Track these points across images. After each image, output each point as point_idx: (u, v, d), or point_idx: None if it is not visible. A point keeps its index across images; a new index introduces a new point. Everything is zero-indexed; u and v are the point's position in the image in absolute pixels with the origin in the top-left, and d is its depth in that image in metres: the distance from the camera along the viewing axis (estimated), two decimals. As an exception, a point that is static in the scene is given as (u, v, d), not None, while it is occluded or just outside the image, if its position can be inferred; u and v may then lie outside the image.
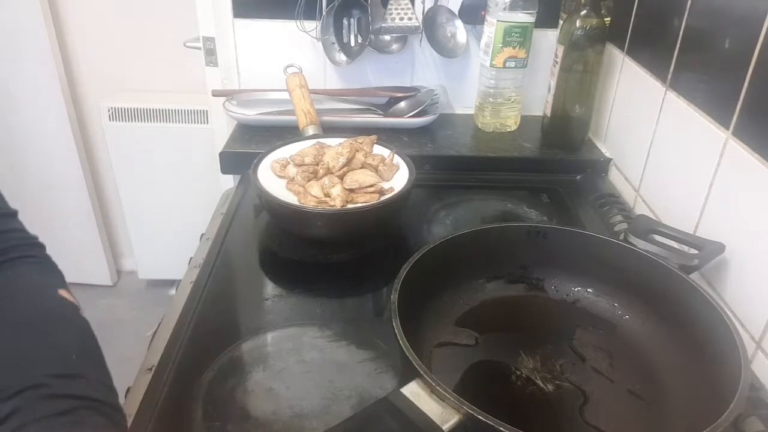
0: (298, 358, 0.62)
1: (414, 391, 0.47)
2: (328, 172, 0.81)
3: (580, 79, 0.97)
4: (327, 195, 0.78)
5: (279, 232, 0.85)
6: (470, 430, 0.45)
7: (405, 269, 0.59)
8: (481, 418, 0.44)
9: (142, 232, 1.94)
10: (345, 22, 1.08)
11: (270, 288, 0.74)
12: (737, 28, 0.66)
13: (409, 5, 1.06)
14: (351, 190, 0.79)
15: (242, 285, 0.77)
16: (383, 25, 1.06)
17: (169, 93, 1.80)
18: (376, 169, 0.82)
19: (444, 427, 0.44)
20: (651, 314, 0.64)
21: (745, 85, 0.64)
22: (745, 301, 0.64)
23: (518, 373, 0.59)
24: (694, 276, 0.63)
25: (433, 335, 0.62)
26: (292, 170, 0.82)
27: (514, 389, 0.58)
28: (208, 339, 0.65)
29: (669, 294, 0.61)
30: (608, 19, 0.97)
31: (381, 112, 1.10)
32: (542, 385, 0.58)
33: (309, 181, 0.80)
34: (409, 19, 1.06)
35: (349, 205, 0.77)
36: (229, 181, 1.03)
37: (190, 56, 1.37)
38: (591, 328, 0.65)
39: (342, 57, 1.10)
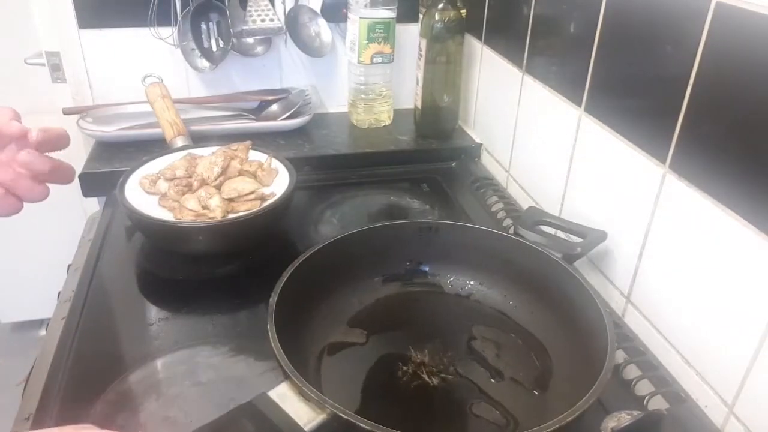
0: (194, 380, 0.58)
1: (281, 393, 0.46)
2: (204, 183, 0.78)
3: (444, 70, 1.01)
4: (205, 207, 0.74)
5: (156, 252, 0.80)
6: (337, 429, 0.44)
7: (288, 272, 0.58)
8: (342, 416, 0.43)
9: (-1, 272, 1.74)
10: (203, 26, 1.04)
11: (153, 312, 0.69)
12: (579, 12, 0.72)
13: (270, 6, 1.04)
14: (230, 200, 0.76)
15: (121, 313, 0.71)
16: (244, 27, 1.03)
17: (13, 115, 1.62)
18: (254, 176, 0.80)
19: (306, 428, 0.44)
20: (536, 301, 0.65)
21: (591, 64, 0.70)
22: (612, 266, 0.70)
23: (405, 369, 0.59)
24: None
25: (323, 336, 0.61)
26: (163, 185, 0.78)
27: (399, 385, 0.58)
28: (89, 376, 0.60)
29: (551, 282, 0.63)
30: (464, 11, 1.02)
31: (253, 117, 1.07)
32: (427, 379, 0.58)
33: (183, 194, 0.76)
34: (271, 20, 1.04)
35: (231, 215, 0.74)
36: (94, 205, 0.95)
37: (33, 74, 1.24)
38: (483, 322, 0.65)
39: (204, 63, 1.05)
